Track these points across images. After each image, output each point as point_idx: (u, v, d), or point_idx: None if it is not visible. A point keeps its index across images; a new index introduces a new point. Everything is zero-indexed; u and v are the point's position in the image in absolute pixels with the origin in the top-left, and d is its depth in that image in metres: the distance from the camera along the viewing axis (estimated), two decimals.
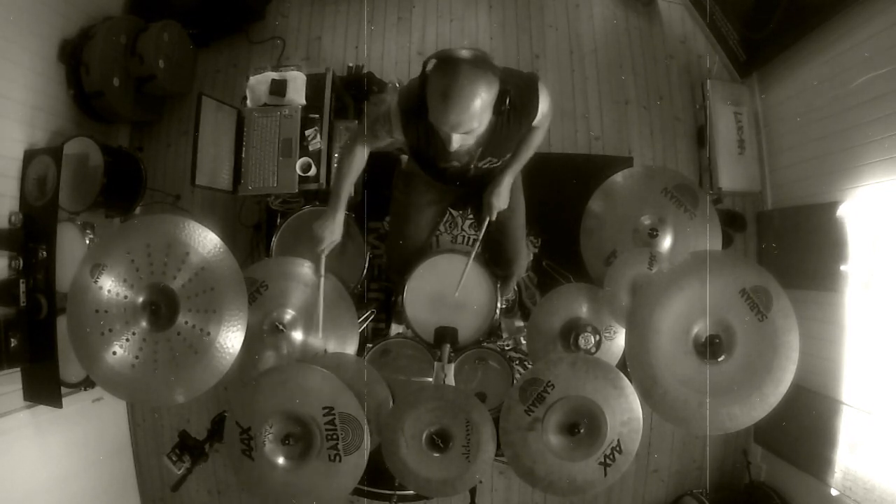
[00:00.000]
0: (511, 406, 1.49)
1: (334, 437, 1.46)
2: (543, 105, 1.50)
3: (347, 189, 1.72)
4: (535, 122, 1.56)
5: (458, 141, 1.35)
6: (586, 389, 1.48)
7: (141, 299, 1.49)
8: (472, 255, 1.91)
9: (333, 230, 1.72)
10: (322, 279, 1.72)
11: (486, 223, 1.82)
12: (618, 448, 1.47)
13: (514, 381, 1.91)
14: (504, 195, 1.79)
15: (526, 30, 3.17)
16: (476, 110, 1.26)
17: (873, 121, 2.13)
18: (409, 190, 1.92)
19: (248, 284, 1.65)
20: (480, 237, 1.86)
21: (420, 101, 1.36)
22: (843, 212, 2.26)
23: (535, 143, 1.72)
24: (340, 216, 1.73)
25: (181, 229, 1.51)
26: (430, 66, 1.31)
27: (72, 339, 1.47)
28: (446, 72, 1.25)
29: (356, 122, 2.60)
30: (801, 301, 1.56)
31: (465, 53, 1.26)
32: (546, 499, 2.82)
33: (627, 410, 1.48)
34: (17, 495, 2.17)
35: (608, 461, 1.47)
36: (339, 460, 1.46)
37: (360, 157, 1.70)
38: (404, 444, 1.50)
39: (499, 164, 1.69)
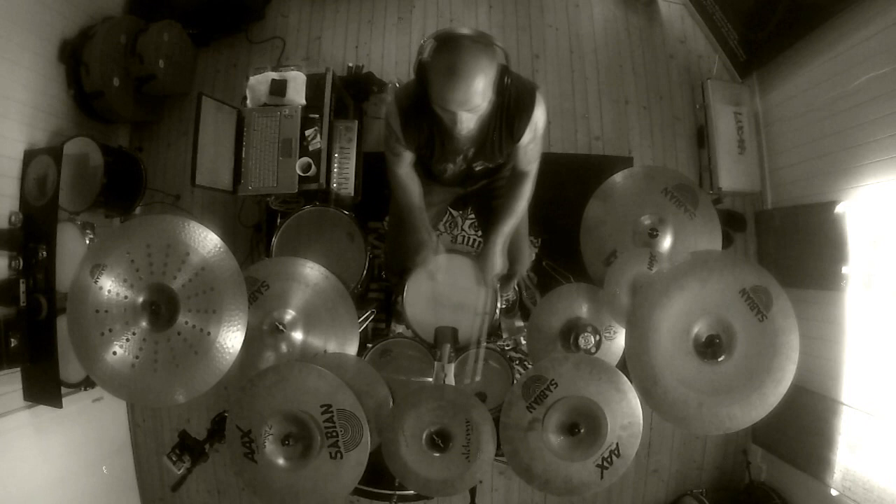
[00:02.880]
0: (513, 402, 1.49)
1: (334, 434, 1.46)
2: (538, 112, 1.49)
3: (420, 215, 1.67)
4: (526, 136, 1.54)
5: (464, 120, 1.33)
6: (589, 390, 1.48)
7: (141, 299, 1.49)
8: (482, 341, 1.89)
9: (427, 257, 1.67)
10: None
11: (492, 295, 1.85)
12: (616, 451, 1.47)
13: (515, 381, 1.90)
14: (497, 262, 1.78)
15: (526, 30, 3.17)
16: (482, 85, 1.26)
17: (873, 121, 2.13)
18: None
19: (249, 284, 1.65)
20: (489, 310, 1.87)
21: (417, 97, 1.36)
22: (843, 211, 2.27)
23: (525, 196, 1.70)
24: (428, 240, 1.67)
25: (181, 229, 1.51)
26: (427, 50, 1.30)
27: (72, 339, 1.47)
28: (450, 48, 1.24)
29: (355, 121, 2.61)
30: (801, 301, 1.56)
31: (464, 30, 1.26)
32: (546, 499, 2.82)
33: (629, 415, 1.47)
34: (17, 495, 2.17)
35: (605, 464, 1.47)
36: (341, 457, 1.46)
37: (407, 177, 1.65)
38: (404, 444, 1.50)
39: (492, 167, 1.68)
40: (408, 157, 1.62)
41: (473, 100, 1.27)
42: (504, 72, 1.31)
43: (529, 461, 1.48)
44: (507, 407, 1.49)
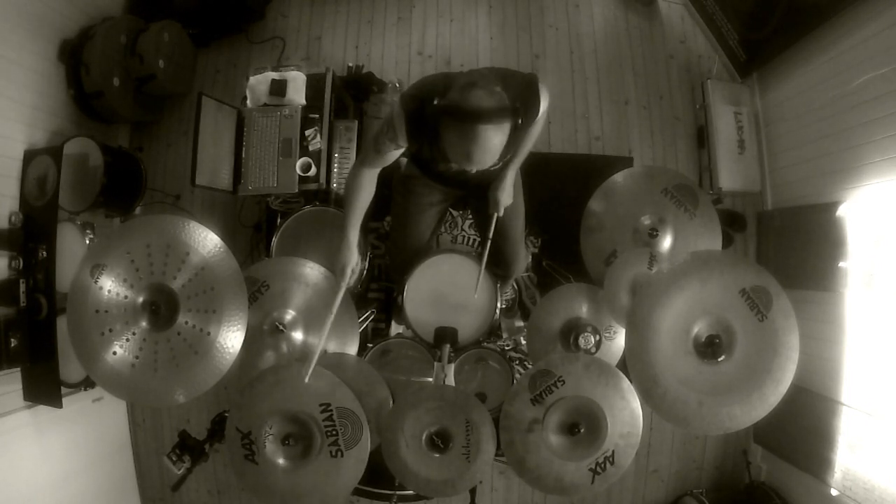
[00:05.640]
0: (518, 393, 1.49)
1: (334, 432, 1.46)
2: (544, 104, 1.51)
3: (356, 215, 1.66)
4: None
5: (476, 171, 1.39)
6: (595, 393, 1.48)
7: (141, 299, 1.49)
8: (485, 259, 1.90)
9: (348, 257, 1.66)
10: (332, 315, 1.62)
11: (495, 220, 1.81)
12: (611, 459, 1.47)
13: (515, 381, 1.90)
14: (509, 191, 1.78)
15: (526, 30, 3.17)
16: (498, 149, 1.29)
17: (873, 121, 2.13)
18: (409, 191, 1.92)
19: (249, 284, 1.65)
20: (490, 235, 1.85)
21: (425, 107, 1.37)
22: (843, 212, 2.26)
23: (534, 137, 1.72)
24: (352, 240, 1.67)
25: (181, 229, 1.51)
26: (440, 115, 1.29)
27: (72, 339, 1.47)
28: (466, 134, 1.24)
29: (355, 121, 2.61)
30: (801, 301, 1.56)
31: (474, 102, 1.22)
32: (546, 499, 2.82)
33: (630, 425, 1.48)
34: (18, 495, 2.17)
35: (598, 469, 1.47)
36: (341, 455, 1.46)
37: (367, 179, 1.64)
38: (404, 444, 1.50)
39: (498, 164, 1.68)
40: (390, 159, 1.61)
41: (491, 161, 1.32)
42: (515, 115, 1.29)
43: (525, 454, 1.48)
44: (512, 396, 1.49)
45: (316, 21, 3.19)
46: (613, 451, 1.47)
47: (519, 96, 1.36)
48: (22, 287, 2.15)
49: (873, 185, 2.14)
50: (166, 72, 2.75)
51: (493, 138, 1.25)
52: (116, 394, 1.52)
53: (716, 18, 2.96)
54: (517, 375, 2.02)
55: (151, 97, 2.88)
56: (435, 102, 1.32)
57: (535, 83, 1.47)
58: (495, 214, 1.81)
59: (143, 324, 1.49)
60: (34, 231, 2.20)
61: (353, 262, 1.68)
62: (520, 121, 1.33)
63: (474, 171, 1.37)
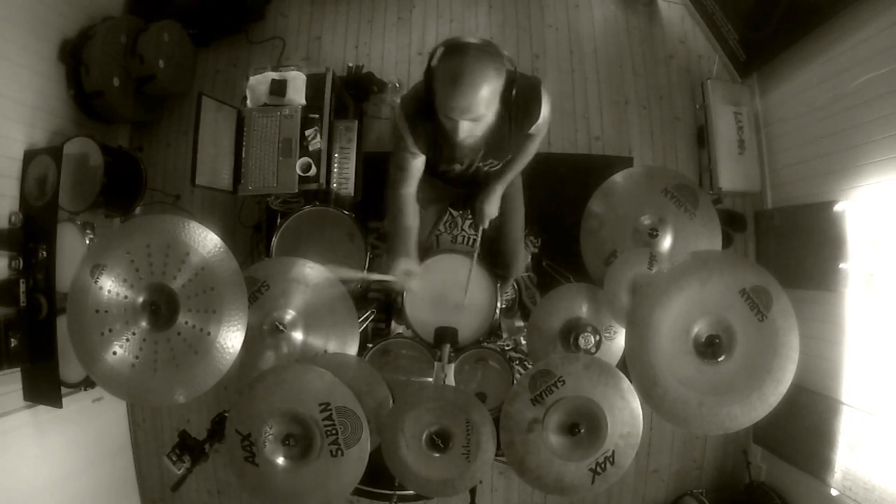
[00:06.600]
0: (518, 393, 1.49)
1: (333, 431, 1.46)
2: (545, 109, 1.50)
3: (410, 239, 1.62)
4: (533, 128, 1.55)
5: (465, 130, 1.31)
6: (595, 393, 1.47)
7: (141, 299, 1.49)
8: (474, 261, 1.91)
9: (402, 260, 1.61)
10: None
11: (481, 232, 1.84)
12: (611, 459, 1.46)
13: (515, 381, 1.91)
14: (495, 204, 1.79)
15: (526, 30, 3.17)
16: (485, 95, 1.24)
17: (873, 121, 2.13)
18: None
19: (250, 284, 1.65)
20: (478, 243, 1.86)
21: (424, 102, 1.36)
22: (842, 211, 2.27)
23: (531, 153, 1.72)
24: (413, 255, 1.62)
25: (181, 229, 1.51)
26: (437, 56, 1.30)
27: (72, 339, 1.47)
28: (455, 56, 1.24)
29: (355, 121, 2.61)
30: (801, 301, 1.56)
31: (473, 39, 1.26)
32: (546, 499, 2.82)
33: (630, 425, 1.47)
34: (18, 495, 2.17)
35: (599, 469, 1.46)
36: (342, 454, 1.46)
37: (405, 200, 1.63)
38: (404, 444, 1.50)
39: (499, 166, 1.68)
40: (415, 173, 1.60)
41: (476, 109, 1.26)
42: (510, 83, 1.30)
43: (524, 454, 1.47)
44: (512, 397, 1.49)
45: (316, 21, 3.19)
46: (613, 451, 1.46)
47: (521, 82, 1.36)
48: (22, 287, 2.15)
49: (873, 185, 2.14)
50: (166, 72, 2.75)
51: (481, 75, 1.22)
52: (116, 394, 1.51)
53: (716, 18, 2.96)
54: (517, 375, 2.02)
55: (151, 97, 2.88)
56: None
57: (538, 85, 1.47)
58: (481, 227, 1.81)
59: (143, 324, 1.49)
60: (34, 231, 2.20)
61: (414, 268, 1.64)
62: (514, 92, 1.33)
63: (458, 120, 1.29)
